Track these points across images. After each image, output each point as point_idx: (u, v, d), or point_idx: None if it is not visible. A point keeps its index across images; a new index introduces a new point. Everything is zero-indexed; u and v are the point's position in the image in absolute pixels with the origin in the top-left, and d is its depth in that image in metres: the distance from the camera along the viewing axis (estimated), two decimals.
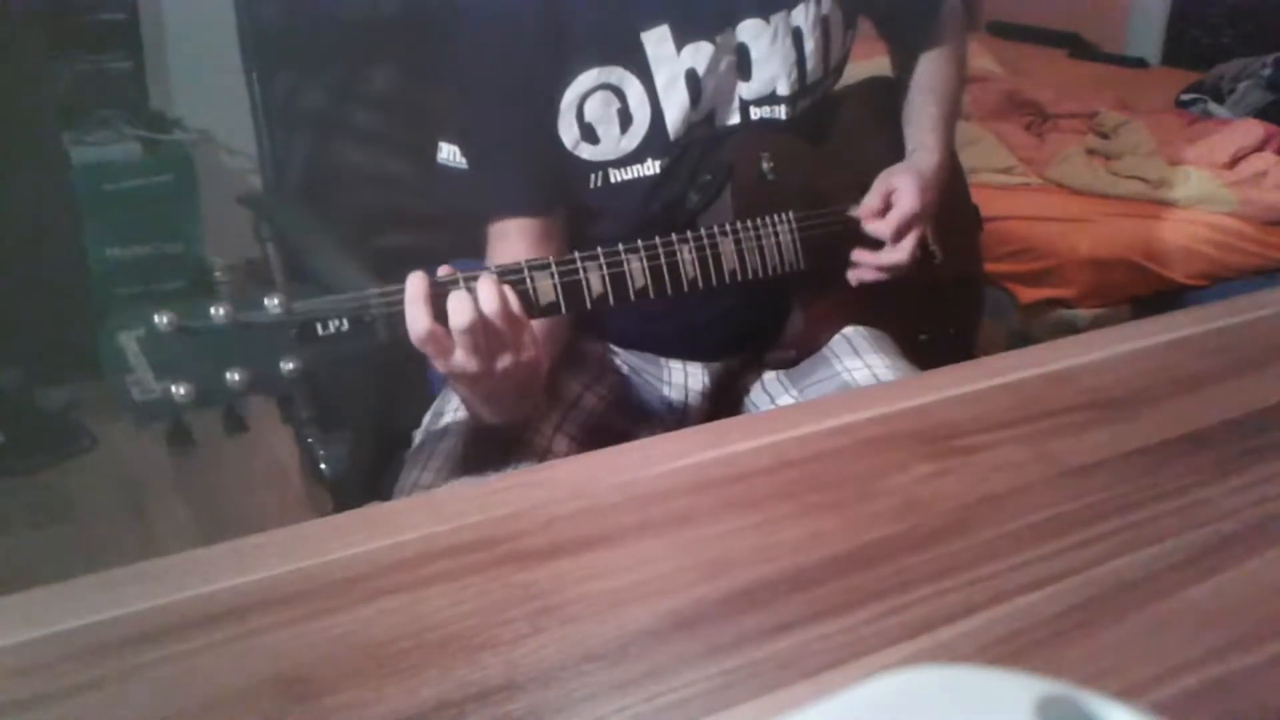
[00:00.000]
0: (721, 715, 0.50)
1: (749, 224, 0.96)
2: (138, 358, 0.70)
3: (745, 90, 1.02)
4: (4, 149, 2.29)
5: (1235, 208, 2.10)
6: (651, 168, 0.99)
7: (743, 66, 1.01)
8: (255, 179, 1.41)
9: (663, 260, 0.89)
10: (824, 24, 1.04)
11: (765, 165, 1.01)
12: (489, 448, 0.97)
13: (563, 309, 0.84)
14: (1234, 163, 2.20)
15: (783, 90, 1.03)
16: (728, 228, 0.94)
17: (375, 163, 1.34)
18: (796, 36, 1.02)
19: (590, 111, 0.96)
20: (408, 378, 1.21)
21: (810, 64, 1.04)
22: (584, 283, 0.85)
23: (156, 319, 0.69)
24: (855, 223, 1.05)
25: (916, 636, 0.55)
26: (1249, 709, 0.51)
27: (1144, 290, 2.08)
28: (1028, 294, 2.10)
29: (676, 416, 1.12)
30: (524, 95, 0.95)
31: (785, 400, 1.09)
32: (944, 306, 1.23)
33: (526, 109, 0.96)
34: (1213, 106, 2.70)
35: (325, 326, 0.74)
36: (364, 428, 1.21)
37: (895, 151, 1.14)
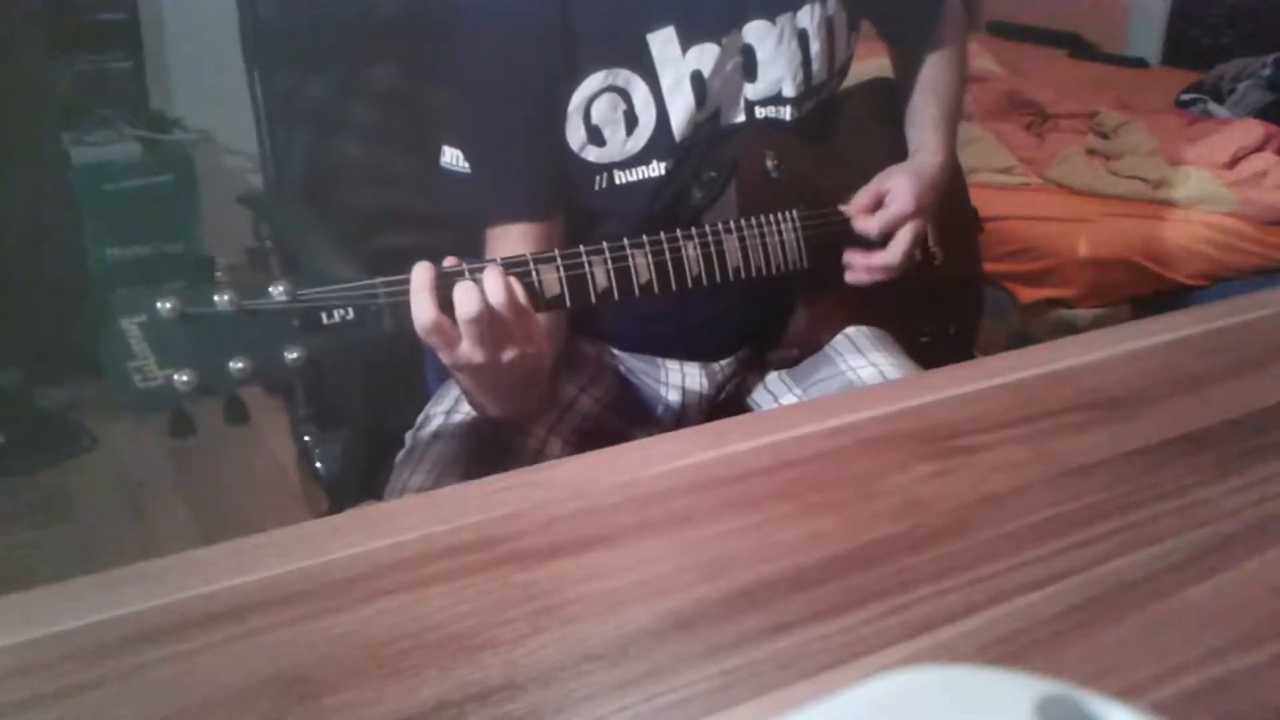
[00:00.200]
0: (721, 715, 0.50)
1: (753, 221, 0.96)
2: (140, 344, 0.69)
3: (751, 91, 1.02)
4: (4, 149, 2.29)
5: (1235, 208, 2.10)
6: (657, 169, 0.99)
7: (748, 68, 1.01)
8: (255, 179, 1.42)
9: (667, 256, 0.89)
10: (829, 25, 1.04)
11: (770, 163, 1.01)
12: (481, 451, 0.96)
13: (567, 302, 0.84)
14: (1234, 163, 2.20)
15: (788, 91, 1.03)
16: (732, 225, 0.94)
17: (375, 162, 1.34)
18: (802, 38, 1.02)
19: (597, 114, 0.96)
20: (404, 377, 1.21)
21: (815, 66, 1.04)
22: (589, 276, 0.84)
23: (159, 305, 0.68)
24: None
25: (916, 636, 0.55)
26: (1249, 709, 0.51)
27: (1144, 290, 2.08)
28: (1028, 294, 2.10)
29: (674, 418, 1.12)
30: (528, 100, 0.95)
31: (788, 399, 1.09)
32: (944, 307, 1.23)
33: (530, 114, 0.95)
34: (1213, 106, 2.70)
35: (330, 315, 0.73)
36: (360, 427, 1.21)
37: (898, 152, 1.14)
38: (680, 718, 0.50)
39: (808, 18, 1.02)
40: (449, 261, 0.78)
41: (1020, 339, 2.05)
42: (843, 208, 1.04)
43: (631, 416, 1.11)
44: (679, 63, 0.97)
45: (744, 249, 0.95)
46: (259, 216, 1.30)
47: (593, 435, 1.05)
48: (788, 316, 1.08)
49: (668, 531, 0.64)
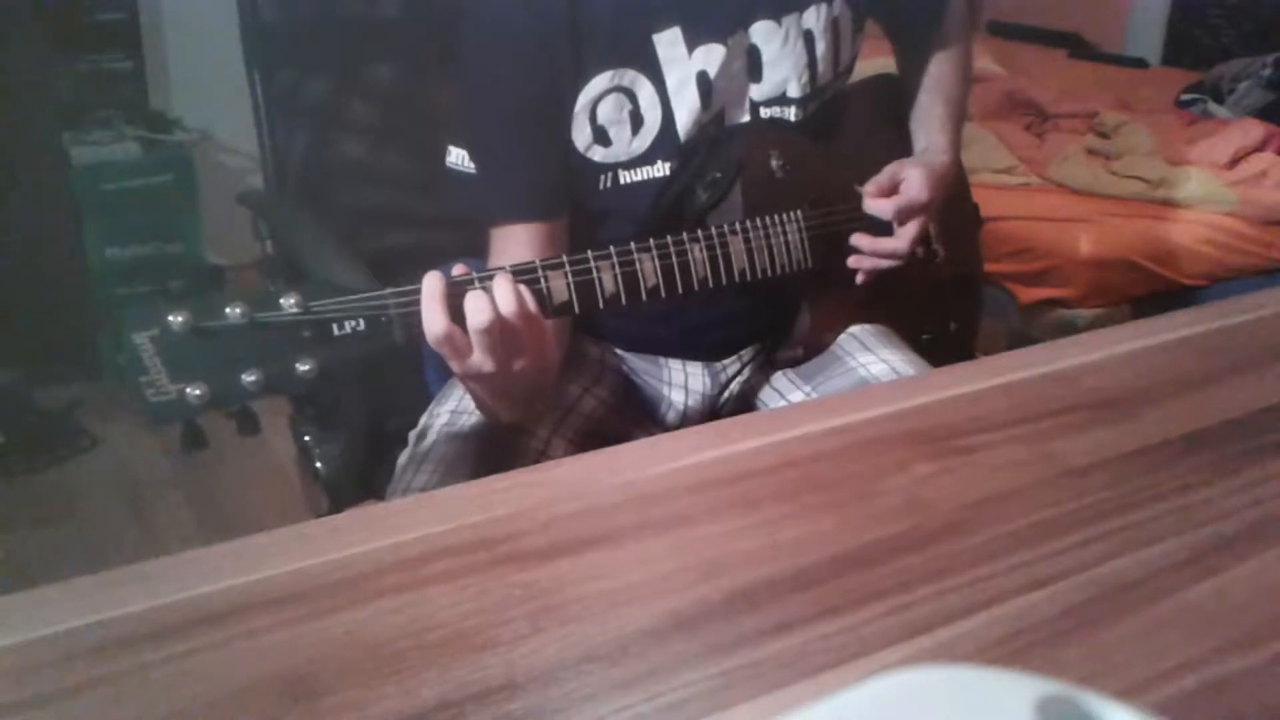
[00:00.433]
0: (721, 715, 0.50)
1: (759, 222, 0.96)
2: (152, 359, 0.68)
3: (756, 92, 1.02)
4: (4, 149, 2.29)
5: (1235, 208, 2.10)
6: (661, 169, 0.99)
7: (753, 68, 1.01)
8: (255, 179, 1.42)
9: (674, 259, 0.89)
10: (835, 26, 1.04)
11: (775, 163, 1.01)
12: (484, 451, 0.96)
13: (576, 309, 0.83)
14: (1234, 163, 2.20)
15: (793, 92, 1.03)
16: (738, 226, 0.94)
17: (375, 162, 1.34)
18: (808, 39, 1.02)
19: (603, 114, 0.96)
20: (405, 377, 1.21)
21: (821, 67, 1.04)
22: (597, 282, 0.84)
23: (171, 319, 0.68)
24: (861, 217, 1.04)
25: (916, 636, 0.55)
26: (1249, 709, 0.51)
27: (1144, 290, 2.08)
28: (1028, 294, 2.10)
29: (677, 417, 1.12)
30: (534, 100, 0.95)
31: (797, 397, 1.09)
32: (946, 305, 1.23)
33: (536, 114, 0.95)
34: (1213, 106, 2.70)
35: (341, 326, 0.73)
36: (360, 427, 1.21)
37: (901, 150, 1.14)
38: (680, 718, 0.50)
39: (814, 18, 1.02)
40: (458, 270, 0.78)
41: (1020, 339, 2.05)
42: (858, 187, 1.04)
43: (635, 416, 1.11)
44: (685, 63, 0.97)
45: (750, 250, 0.95)
46: (259, 216, 1.30)
47: (596, 435, 1.05)
48: (790, 316, 1.08)
49: (668, 531, 0.64)
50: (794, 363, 1.11)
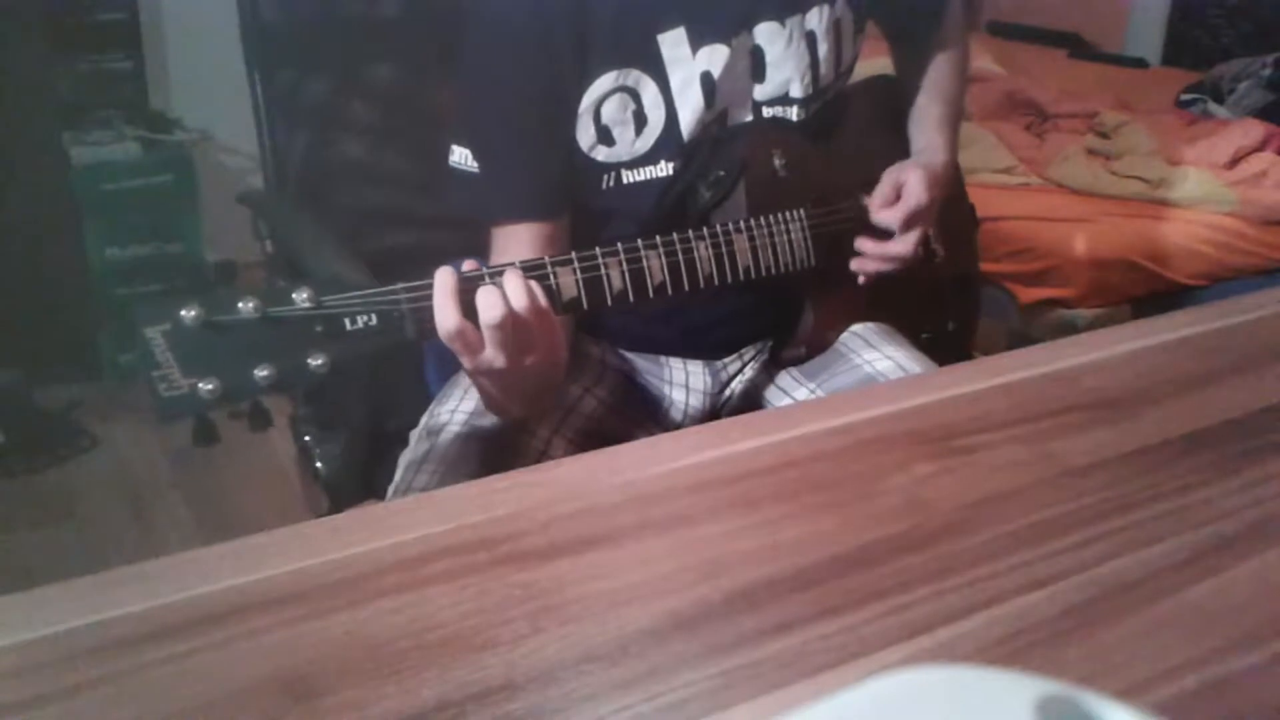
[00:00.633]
0: (721, 715, 0.50)
1: (762, 221, 0.96)
2: (164, 353, 0.68)
3: (759, 92, 1.03)
4: (4, 149, 2.29)
5: (1235, 208, 2.10)
6: (664, 169, 0.99)
7: (756, 69, 1.02)
8: (255, 179, 1.41)
9: (680, 257, 0.89)
10: (837, 27, 1.04)
11: (778, 163, 1.02)
12: (486, 451, 0.96)
13: (584, 305, 0.84)
14: (1234, 163, 2.20)
15: (795, 93, 1.03)
16: (742, 224, 0.95)
17: (376, 162, 1.34)
18: (810, 40, 1.02)
19: (607, 114, 0.96)
20: (405, 377, 1.21)
21: (824, 67, 1.04)
22: (605, 279, 0.85)
23: (183, 313, 0.68)
24: (864, 217, 1.05)
25: (916, 636, 0.55)
26: (1249, 709, 0.51)
27: (1144, 290, 2.08)
28: (1028, 294, 2.10)
29: (679, 416, 1.12)
30: (539, 100, 0.95)
31: (802, 394, 1.09)
32: (945, 304, 1.23)
33: (541, 114, 0.96)
34: (1213, 106, 2.70)
35: (353, 321, 0.73)
36: (361, 427, 1.21)
37: (900, 150, 1.15)
38: (680, 718, 0.50)
39: (816, 19, 1.02)
40: (468, 265, 0.78)
41: (1020, 339, 2.05)
42: (864, 199, 1.05)
43: (636, 416, 1.11)
44: (689, 63, 0.97)
45: (754, 248, 0.95)
46: (259, 216, 1.30)
47: (597, 435, 1.05)
48: (792, 314, 1.08)
49: (668, 531, 0.64)
50: (797, 361, 1.11)
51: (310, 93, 1.30)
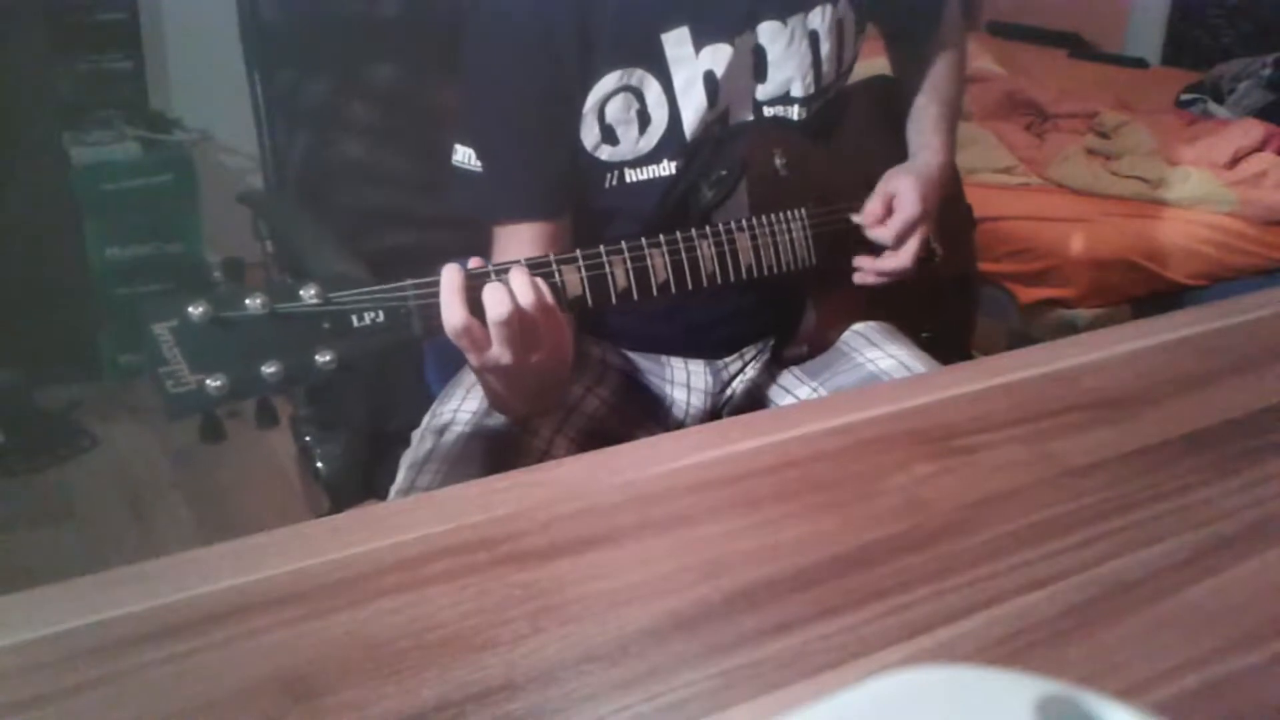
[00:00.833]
0: (721, 715, 0.50)
1: (764, 220, 0.96)
2: (171, 350, 0.68)
3: (760, 91, 1.03)
4: (4, 149, 2.29)
5: (1235, 208, 2.10)
6: (667, 168, 0.99)
7: (758, 68, 1.02)
8: (255, 178, 1.41)
9: (683, 255, 0.90)
10: (839, 27, 1.04)
11: (779, 162, 1.02)
12: (488, 451, 0.97)
13: (589, 302, 0.84)
14: (1234, 163, 2.20)
15: (797, 92, 1.03)
16: (744, 223, 0.95)
17: (376, 162, 1.34)
18: (813, 39, 1.03)
19: (611, 113, 0.96)
20: (405, 377, 1.21)
21: (826, 67, 1.04)
22: (609, 276, 0.85)
23: (191, 309, 0.67)
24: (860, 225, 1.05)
25: (916, 636, 0.55)
26: (1249, 709, 0.51)
27: (1144, 290, 2.08)
28: (1028, 294, 2.10)
29: (680, 415, 1.12)
30: (543, 100, 0.95)
31: (804, 393, 1.09)
32: (944, 304, 1.24)
33: (545, 114, 0.96)
34: (1213, 106, 2.70)
35: (361, 318, 0.73)
36: (360, 427, 1.21)
37: (899, 150, 1.15)
38: (680, 718, 0.50)
39: (819, 19, 1.02)
40: (474, 263, 0.78)
41: (1020, 339, 2.05)
42: (854, 218, 1.05)
43: (637, 415, 1.11)
44: (692, 62, 0.97)
45: (756, 247, 0.95)
46: (259, 216, 1.30)
47: (598, 435, 1.05)
48: (793, 313, 1.08)
49: (668, 531, 0.64)
50: (800, 360, 1.11)
51: (310, 93, 1.30)
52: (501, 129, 0.97)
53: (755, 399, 1.13)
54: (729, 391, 1.15)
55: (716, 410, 1.14)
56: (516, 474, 0.70)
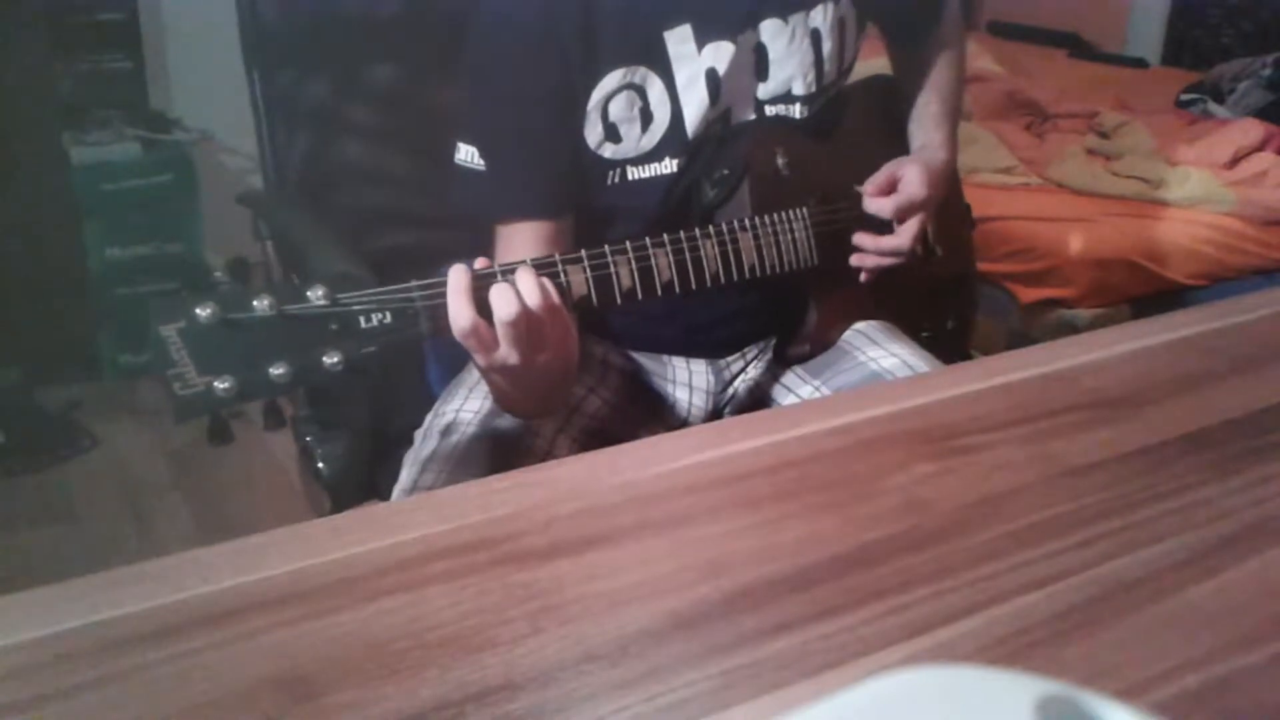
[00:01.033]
0: (721, 715, 0.50)
1: (767, 219, 0.96)
2: (179, 351, 0.67)
3: (762, 90, 1.03)
4: (4, 149, 2.29)
5: (1235, 208, 2.10)
6: (669, 166, 0.99)
7: (760, 66, 1.02)
8: (255, 178, 1.41)
9: (687, 254, 0.90)
10: (841, 25, 1.04)
11: (781, 161, 1.02)
12: (490, 451, 0.97)
13: (594, 302, 0.84)
14: (1234, 163, 2.20)
15: (798, 90, 1.04)
16: (747, 223, 0.95)
17: (376, 162, 1.34)
18: (815, 38, 1.03)
19: (614, 111, 0.97)
20: (406, 377, 1.21)
21: (827, 65, 1.04)
22: (614, 276, 0.85)
23: (199, 311, 0.67)
24: (863, 215, 1.05)
25: (916, 636, 0.55)
26: (1249, 709, 0.51)
27: (1144, 290, 2.08)
28: (1028, 294, 2.10)
29: (682, 415, 1.12)
30: (547, 98, 0.95)
31: (807, 391, 1.09)
32: (943, 304, 1.24)
33: (548, 112, 0.96)
34: (1213, 106, 2.70)
35: (368, 319, 0.73)
36: (362, 427, 1.21)
37: (900, 149, 1.15)
38: (680, 718, 0.50)
39: (820, 17, 1.02)
40: (480, 263, 0.78)
41: (1020, 339, 2.05)
42: (857, 187, 1.05)
43: (639, 415, 1.11)
44: (694, 60, 0.97)
45: (759, 246, 0.95)
46: (259, 216, 1.30)
47: (600, 435, 1.05)
48: (792, 312, 1.08)
49: (668, 531, 0.64)
50: (802, 359, 1.11)
51: (310, 93, 1.30)
52: (504, 127, 0.98)
53: (757, 398, 1.13)
54: (731, 391, 1.15)
55: (718, 410, 1.14)
56: (516, 474, 0.70)
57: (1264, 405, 0.81)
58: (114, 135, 2.41)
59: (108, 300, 2.41)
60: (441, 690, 0.51)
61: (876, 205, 1.03)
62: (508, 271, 0.77)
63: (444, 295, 0.74)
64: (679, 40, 0.97)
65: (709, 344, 1.12)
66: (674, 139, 0.99)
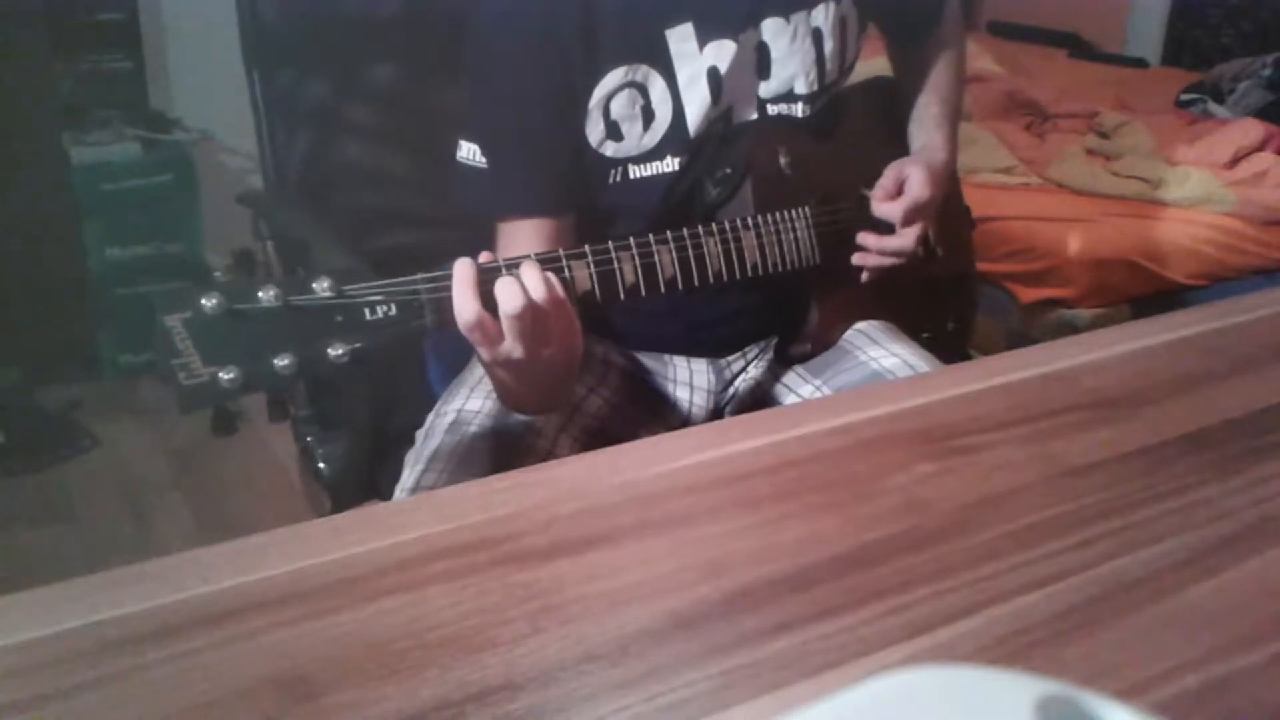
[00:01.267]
0: (721, 715, 0.50)
1: (769, 218, 0.97)
2: (184, 341, 0.67)
3: (763, 89, 1.03)
4: (4, 149, 2.29)
5: (1235, 208, 2.10)
6: (671, 164, 1.00)
7: (762, 65, 1.02)
8: (255, 178, 1.42)
9: (690, 252, 0.90)
10: (842, 25, 1.05)
11: (783, 160, 1.02)
12: (492, 450, 0.97)
13: (598, 297, 0.84)
14: (1234, 163, 2.20)
15: (800, 89, 1.04)
16: (750, 221, 0.95)
17: (376, 162, 1.34)
18: (816, 37, 1.03)
19: (616, 109, 0.97)
20: (407, 377, 1.21)
21: (829, 64, 1.05)
22: (618, 272, 0.85)
23: (204, 301, 0.67)
24: (866, 213, 1.05)
25: (916, 636, 0.55)
26: (1249, 709, 0.51)
27: (1144, 290, 2.08)
28: (1028, 294, 2.10)
29: (683, 414, 1.12)
30: (548, 96, 0.96)
31: (808, 391, 1.09)
32: (943, 305, 1.24)
33: (550, 110, 0.96)
34: (1213, 106, 2.70)
35: (373, 311, 0.72)
36: (362, 427, 1.21)
37: (902, 150, 1.15)
38: (680, 718, 0.50)
39: (822, 16, 1.02)
40: (484, 257, 0.78)
41: (1020, 339, 2.05)
42: (866, 191, 1.05)
43: (640, 414, 1.11)
44: (696, 59, 0.97)
45: (761, 245, 0.96)
46: (259, 216, 1.30)
47: (602, 435, 1.05)
48: (793, 311, 1.08)
49: (668, 531, 0.64)
50: (803, 358, 1.11)
51: (310, 93, 1.30)
52: (506, 124, 0.98)
53: (758, 398, 1.13)
54: (732, 390, 1.15)
55: (719, 409, 1.14)
56: (516, 474, 0.70)
57: (1264, 405, 0.81)
58: (114, 135, 2.41)
59: (108, 300, 2.41)
60: (441, 690, 0.51)
61: (886, 210, 1.04)
62: (512, 265, 0.77)
63: (449, 288, 0.74)
64: (680, 39, 0.97)
65: (711, 342, 1.12)
66: (676, 137, 0.99)
